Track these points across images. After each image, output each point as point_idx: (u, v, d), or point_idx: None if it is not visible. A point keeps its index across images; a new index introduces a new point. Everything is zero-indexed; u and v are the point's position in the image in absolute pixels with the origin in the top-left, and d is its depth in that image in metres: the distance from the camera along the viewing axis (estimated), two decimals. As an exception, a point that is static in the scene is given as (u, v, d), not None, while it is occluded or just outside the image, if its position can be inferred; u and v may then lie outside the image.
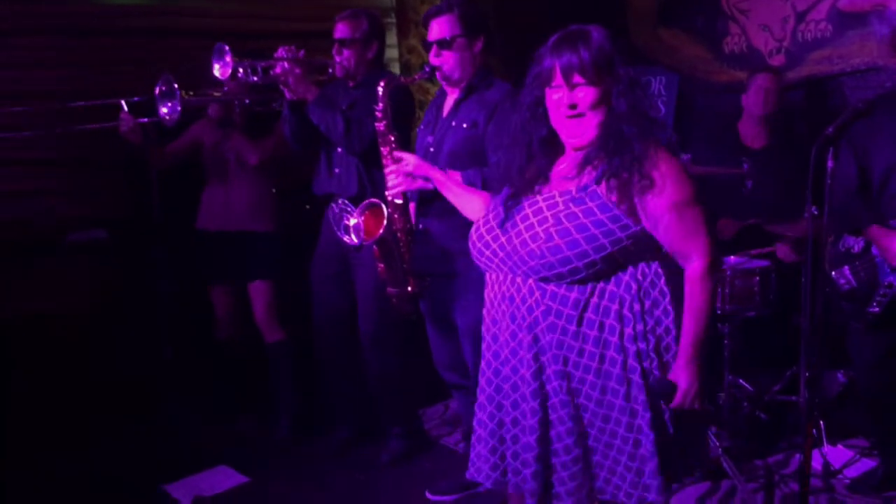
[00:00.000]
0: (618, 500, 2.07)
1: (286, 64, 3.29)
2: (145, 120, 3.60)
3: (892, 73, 3.68)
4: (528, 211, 2.05)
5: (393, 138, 2.95)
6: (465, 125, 2.95)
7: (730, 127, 4.07)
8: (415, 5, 5.41)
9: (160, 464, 3.60)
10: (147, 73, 3.95)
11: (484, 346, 2.23)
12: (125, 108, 3.68)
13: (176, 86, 3.39)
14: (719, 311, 3.50)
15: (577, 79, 2.01)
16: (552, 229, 1.98)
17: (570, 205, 1.99)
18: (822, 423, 3.36)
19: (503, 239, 2.07)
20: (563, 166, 2.11)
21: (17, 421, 3.71)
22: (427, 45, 3.02)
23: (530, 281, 2.04)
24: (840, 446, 3.43)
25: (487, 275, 2.19)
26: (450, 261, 2.92)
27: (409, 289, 3.01)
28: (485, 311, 2.22)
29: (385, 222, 2.88)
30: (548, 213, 2.01)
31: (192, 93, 3.49)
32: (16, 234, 4.02)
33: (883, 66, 3.81)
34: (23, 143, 4.04)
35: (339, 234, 2.98)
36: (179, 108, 3.40)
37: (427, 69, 2.99)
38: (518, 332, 2.08)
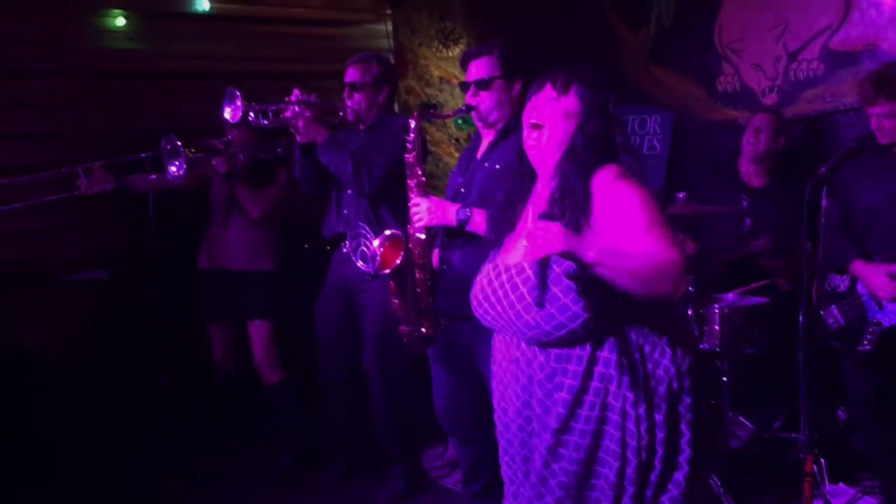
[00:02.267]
0: None
1: (297, 107, 3.32)
2: (153, 177, 3.63)
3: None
4: (518, 280, 2.04)
5: (420, 171, 2.94)
6: (497, 166, 2.91)
7: (729, 165, 4.10)
8: (412, 47, 5.49)
9: (160, 501, 3.58)
10: (151, 114, 4.01)
11: (494, 401, 2.24)
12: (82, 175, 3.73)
13: (179, 143, 3.43)
14: (718, 349, 3.50)
15: (549, 90, 2.09)
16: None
17: (554, 266, 1.98)
18: (822, 460, 3.34)
19: (499, 308, 2.07)
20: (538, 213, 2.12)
21: (10, 454, 3.69)
22: (464, 86, 3.03)
23: (534, 347, 2.06)
24: (841, 484, 3.40)
25: (495, 334, 2.22)
26: None
27: (423, 329, 2.91)
28: (492, 372, 2.24)
29: (403, 253, 2.81)
30: (536, 281, 1.97)
31: (194, 150, 3.53)
32: (15, 270, 4.04)
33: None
34: (19, 183, 4.09)
35: (354, 259, 2.96)
36: (185, 167, 3.46)
37: (464, 108, 3.01)
38: (521, 392, 2.09)
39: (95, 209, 4.22)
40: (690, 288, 3.47)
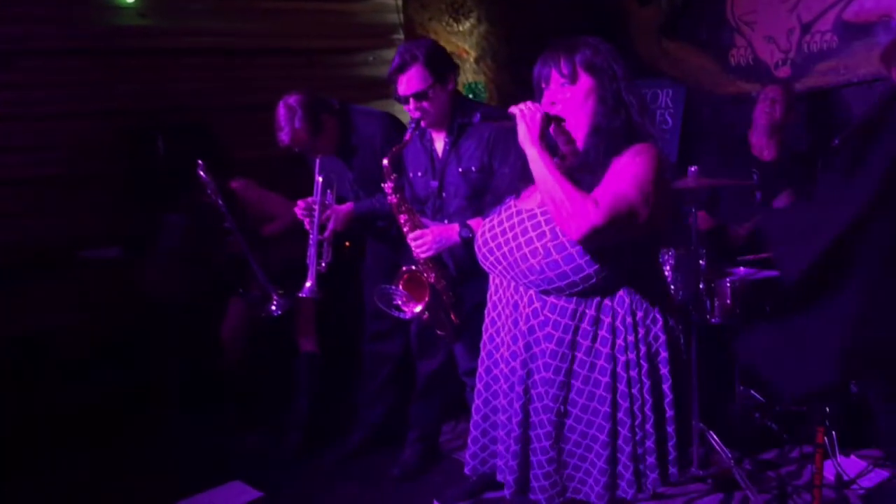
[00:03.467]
0: (591, 500, 2.14)
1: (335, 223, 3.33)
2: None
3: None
4: (528, 224, 2.09)
5: (406, 206, 2.93)
6: (473, 169, 2.97)
7: (740, 138, 4.09)
8: (422, 22, 5.45)
9: (173, 477, 3.62)
10: (161, 90, 4.00)
11: (481, 343, 2.31)
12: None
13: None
14: (729, 323, 3.51)
15: (557, 78, 2.09)
16: (549, 244, 2.03)
17: None
18: (834, 433, 3.35)
19: (505, 249, 2.12)
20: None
21: (30, 432, 3.73)
22: (402, 100, 2.97)
23: (531, 292, 2.12)
24: (853, 456, 3.41)
25: (492, 277, 2.27)
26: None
27: (455, 322, 2.97)
28: (486, 311, 2.30)
29: (428, 290, 2.86)
30: (546, 228, 2.05)
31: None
32: (28, 252, 4.06)
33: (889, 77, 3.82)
34: (33, 162, 4.12)
35: (391, 314, 2.96)
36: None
37: (412, 124, 2.98)
38: (518, 337, 2.16)
39: (105, 187, 4.23)
40: (702, 262, 3.46)
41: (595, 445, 2.11)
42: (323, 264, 3.32)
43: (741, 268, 3.65)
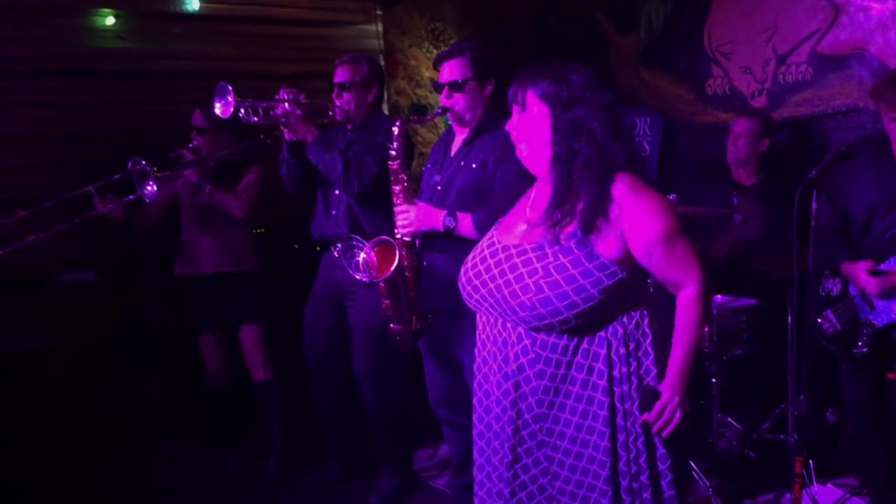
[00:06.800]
0: None
1: (287, 105, 3.33)
2: (131, 198, 3.56)
3: (873, 114, 3.73)
4: (517, 260, 2.06)
5: (405, 177, 2.98)
6: (474, 165, 2.98)
7: (720, 165, 4.13)
8: (402, 48, 5.49)
9: (147, 502, 3.57)
10: (141, 113, 3.99)
11: (476, 383, 2.26)
12: (96, 195, 3.66)
13: (145, 163, 3.41)
14: (707, 350, 3.52)
15: (514, 108, 2.12)
16: (542, 281, 2.00)
17: (559, 255, 2.02)
18: (811, 462, 3.36)
19: (492, 286, 2.09)
20: (538, 208, 2.15)
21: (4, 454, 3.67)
22: (438, 87, 3.06)
23: (520, 329, 2.08)
24: (830, 485, 3.42)
25: (479, 315, 2.22)
26: (457, 298, 2.91)
27: (413, 326, 2.98)
28: (476, 351, 2.26)
29: (396, 260, 2.87)
30: (537, 265, 2.02)
31: (157, 169, 3.47)
32: (5, 273, 4.01)
33: (863, 108, 3.88)
34: (14, 183, 4.08)
35: (348, 268, 2.96)
36: (155, 186, 3.44)
37: (439, 110, 3.05)
38: (508, 376, 2.12)
39: (81, 211, 4.19)
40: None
41: (598, 483, 2.05)
42: (255, 118, 3.33)
43: (718, 295, 3.67)
